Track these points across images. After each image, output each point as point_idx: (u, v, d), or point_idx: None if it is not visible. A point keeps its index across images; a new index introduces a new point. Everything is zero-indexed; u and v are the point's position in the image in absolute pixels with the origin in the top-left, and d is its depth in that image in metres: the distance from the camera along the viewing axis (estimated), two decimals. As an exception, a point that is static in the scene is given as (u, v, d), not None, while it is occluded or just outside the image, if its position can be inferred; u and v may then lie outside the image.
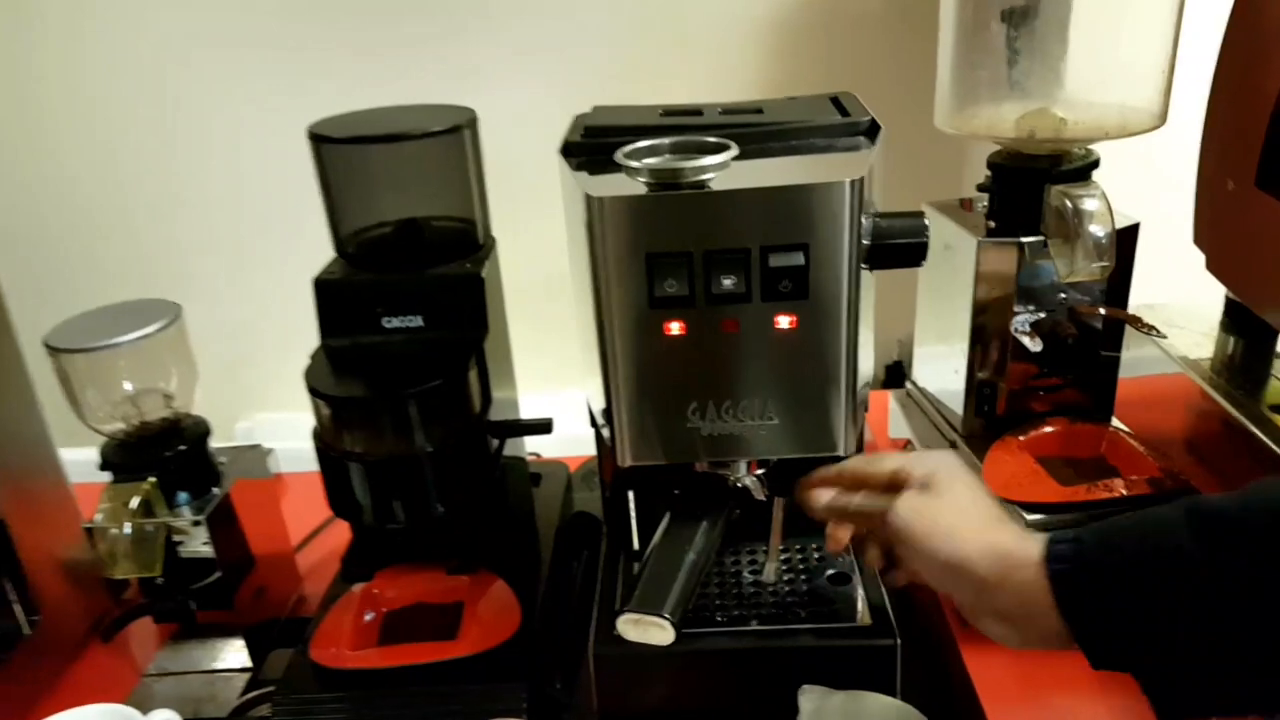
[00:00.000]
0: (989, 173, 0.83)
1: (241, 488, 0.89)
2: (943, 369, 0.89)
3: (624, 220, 0.58)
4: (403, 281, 0.77)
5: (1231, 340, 0.95)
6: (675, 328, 0.60)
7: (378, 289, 0.77)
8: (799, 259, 0.58)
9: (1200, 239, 0.96)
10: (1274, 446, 0.78)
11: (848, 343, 0.60)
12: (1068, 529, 0.55)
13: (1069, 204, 0.76)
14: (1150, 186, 0.94)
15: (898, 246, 0.62)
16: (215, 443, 0.91)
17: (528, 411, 0.89)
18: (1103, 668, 0.54)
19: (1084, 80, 0.78)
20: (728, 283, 0.58)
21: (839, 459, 0.65)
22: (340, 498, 0.75)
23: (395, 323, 0.77)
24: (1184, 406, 0.97)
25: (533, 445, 1.09)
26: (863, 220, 0.59)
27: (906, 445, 1.00)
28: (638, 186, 0.59)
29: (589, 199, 0.58)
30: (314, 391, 0.73)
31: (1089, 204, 0.76)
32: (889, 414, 1.02)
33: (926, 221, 0.62)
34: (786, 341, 0.60)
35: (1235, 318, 0.95)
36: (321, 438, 0.74)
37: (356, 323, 0.78)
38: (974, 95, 0.81)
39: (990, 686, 0.71)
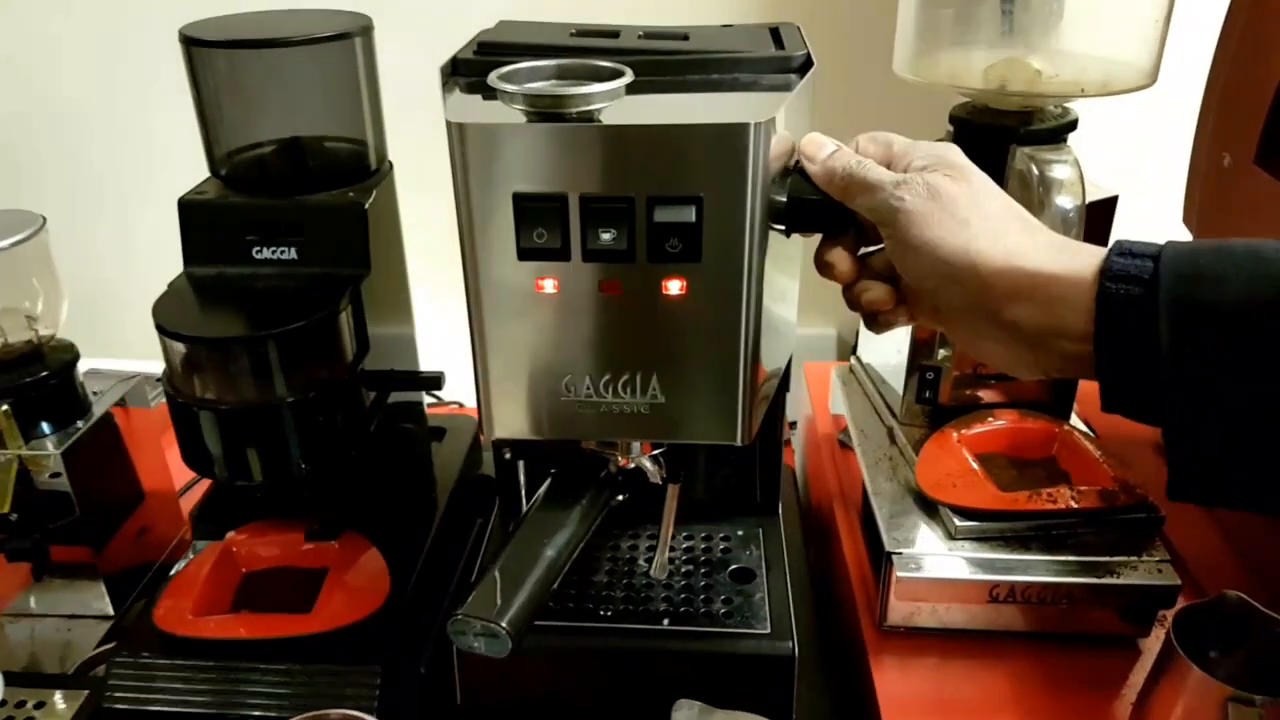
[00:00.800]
0: (950, 128, 0.74)
1: (115, 420, 0.82)
2: (886, 345, 0.80)
3: (489, 153, 0.49)
4: (277, 208, 0.68)
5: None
6: (548, 285, 0.51)
7: (248, 214, 0.68)
8: (689, 215, 0.48)
9: (1190, 218, 0.87)
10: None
11: (748, 315, 0.51)
12: (1135, 242, 0.44)
13: (1035, 170, 0.67)
14: (1134, 156, 0.85)
15: (816, 206, 0.52)
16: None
17: (437, 359, 0.81)
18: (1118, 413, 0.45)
19: (1065, 27, 0.68)
20: (607, 237, 0.49)
21: (735, 448, 0.56)
22: (191, 449, 0.67)
23: (267, 254, 0.69)
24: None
25: (454, 394, 1.02)
26: (774, 173, 0.49)
27: (845, 428, 0.92)
28: (515, 115, 0.50)
29: (449, 124, 0.49)
30: (161, 329, 0.64)
31: (1058, 171, 0.67)
32: (830, 388, 0.94)
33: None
34: (675, 310, 0.51)
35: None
36: (170, 380, 0.66)
37: (224, 251, 0.69)
38: (938, 38, 0.71)
39: (897, 710, 0.64)
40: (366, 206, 0.68)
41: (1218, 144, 0.80)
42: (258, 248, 0.69)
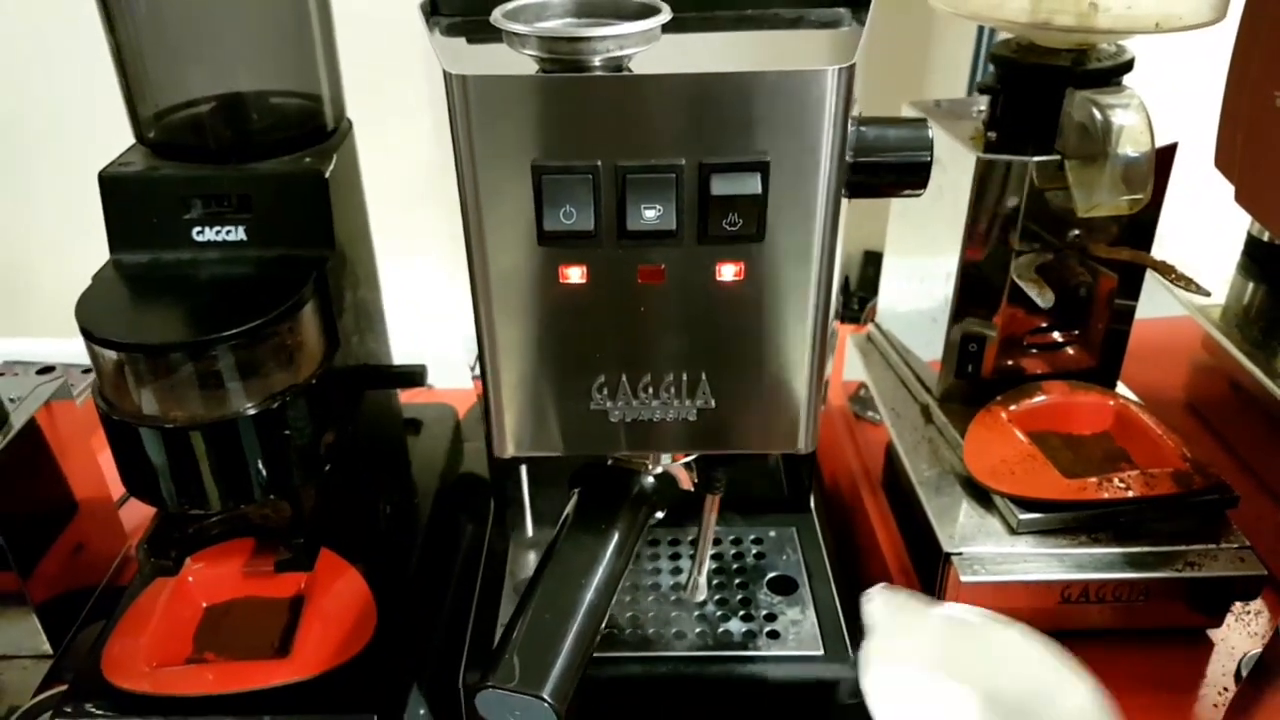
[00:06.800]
0: (993, 68, 0.65)
1: (39, 427, 0.70)
2: (917, 314, 0.72)
3: (498, 113, 0.39)
4: (219, 179, 0.57)
5: (1251, 287, 0.80)
6: (574, 274, 0.42)
7: (185, 188, 0.57)
8: (754, 184, 0.39)
9: (1225, 163, 0.80)
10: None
11: (818, 302, 0.43)
12: None
13: (1098, 115, 0.59)
14: (1182, 96, 0.77)
15: (892, 166, 0.44)
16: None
17: (409, 340, 0.72)
18: None
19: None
20: (650, 214, 0.40)
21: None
22: (133, 473, 0.57)
23: (210, 235, 0.58)
24: (1190, 363, 0.83)
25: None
26: (848, 129, 0.41)
27: (859, 389, 0.85)
28: (525, 63, 0.40)
29: (447, 77, 0.39)
30: (87, 334, 0.53)
31: (1123, 117, 0.59)
32: (844, 357, 0.86)
33: (931, 132, 0.45)
34: (730, 299, 0.42)
35: (1261, 261, 0.80)
36: (102, 393, 0.55)
37: (158, 234, 0.58)
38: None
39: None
40: (327, 174, 0.57)
41: (1268, 81, 0.73)
42: (198, 228, 0.58)
